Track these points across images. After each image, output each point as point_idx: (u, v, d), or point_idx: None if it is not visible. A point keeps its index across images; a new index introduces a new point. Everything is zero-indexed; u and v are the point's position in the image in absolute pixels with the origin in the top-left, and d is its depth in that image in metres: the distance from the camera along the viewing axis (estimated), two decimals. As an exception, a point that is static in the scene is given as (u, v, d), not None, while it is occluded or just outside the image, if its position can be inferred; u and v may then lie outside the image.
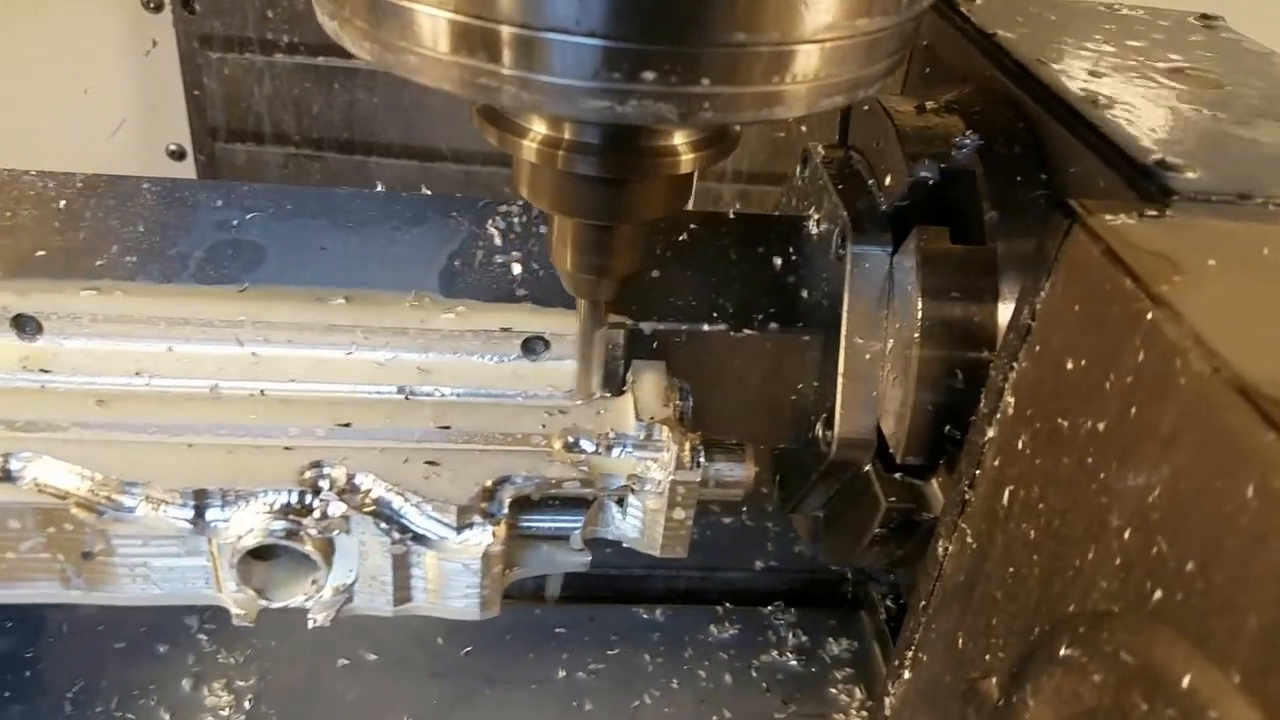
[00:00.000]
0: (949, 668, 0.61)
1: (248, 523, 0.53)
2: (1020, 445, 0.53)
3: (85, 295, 0.63)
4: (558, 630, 0.89)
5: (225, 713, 0.78)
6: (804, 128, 1.28)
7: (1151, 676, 0.41)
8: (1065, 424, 0.48)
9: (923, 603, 0.64)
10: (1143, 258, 0.45)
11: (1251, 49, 0.79)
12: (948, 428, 0.63)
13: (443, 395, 0.62)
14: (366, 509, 0.53)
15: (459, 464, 0.56)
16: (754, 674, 0.87)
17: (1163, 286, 0.43)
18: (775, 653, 0.89)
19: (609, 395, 0.65)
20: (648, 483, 0.59)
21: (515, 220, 0.71)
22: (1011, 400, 0.54)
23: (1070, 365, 0.48)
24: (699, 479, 0.58)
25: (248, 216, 0.68)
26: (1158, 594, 0.41)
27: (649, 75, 0.39)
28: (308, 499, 0.53)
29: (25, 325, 0.62)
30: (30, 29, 1.40)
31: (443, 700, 0.81)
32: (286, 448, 0.56)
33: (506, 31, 0.39)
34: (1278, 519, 0.35)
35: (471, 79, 0.41)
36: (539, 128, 0.48)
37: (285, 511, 0.53)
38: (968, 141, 0.66)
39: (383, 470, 0.55)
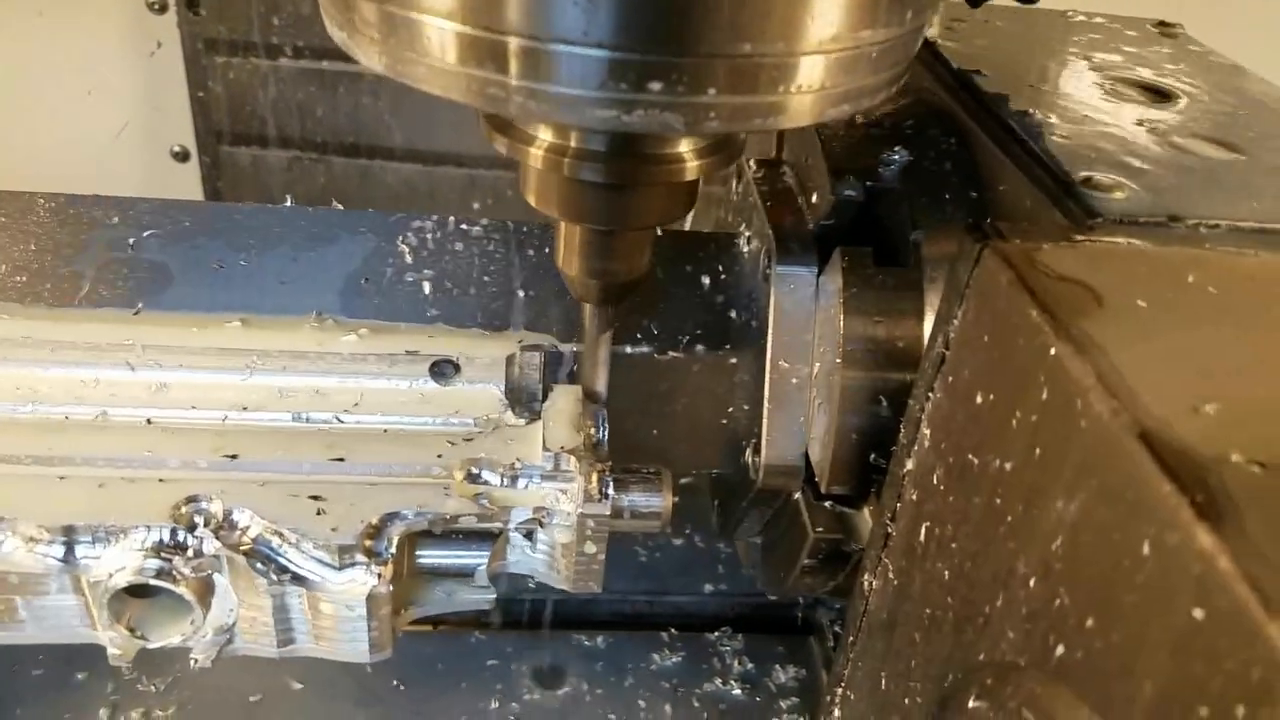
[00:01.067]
0: (873, 709, 0.57)
1: (119, 560, 0.49)
2: (935, 480, 0.50)
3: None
4: (491, 661, 0.86)
5: (142, 745, 0.75)
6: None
7: (1053, 740, 0.37)
8: (976, 461, 0.45)
9: (850, 639, 0.61)
10: (1052, 286, 0.42)
11: (1216, 61, 0.76)
12: (873, 456, 0.59)
13: (341, 423, 0.59)
14: (243, 547, 0.50)
15: (349, 499, 0.53)
16: (696, 704, 0.84)
17: (1070, 318, 0.40)
18: (719, 680, 0.86)
19: (523, 422, 0.61)
20: (556, 515, 0.56)
21: (429, 236, 0.68)
22: (928, 432, 0.51)
23: (979, 399, 0.45)
24: (608, 511, 0.55)
25: (144, 234, 0.65)
26: (1060, 649, 0.38)
27: (655, 85, 0.39)
28: (182, 536, 0.50)
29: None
30: (34, 30, 1.39)
31: (368, 732, 0.78)
32: (162, 480, 0.53)
33: (514, 43, 0.39)
34: (1173, 579, 0.32)
35: (480, 89, 0.41)
36: (546, 135, 0.49)
37: (158, 549, 0.49)
38: (896, 158, 0.63)
39: (264, 506, 0.51)
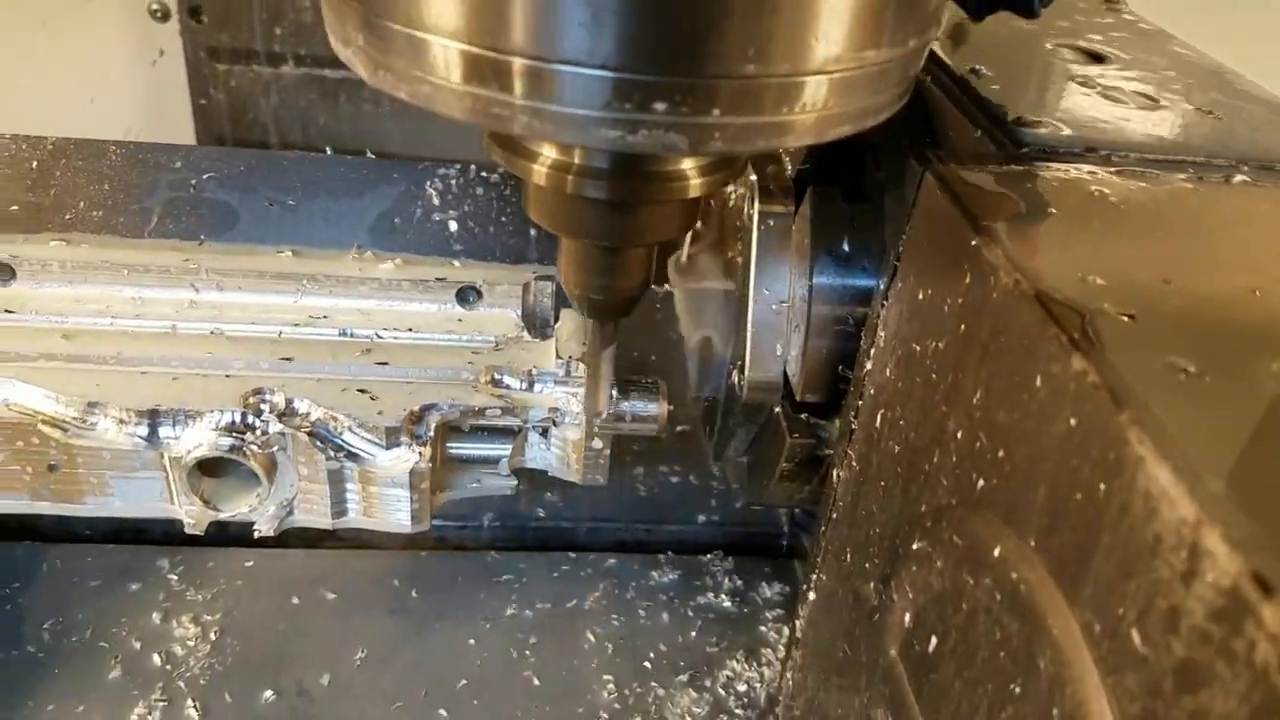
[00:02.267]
0: (840, 581, 0.66)
1: (197, 439, 0.58)
2: (888, 373, 0.58)
3: (55, 245, 0.68)
4: (506, 576, 0.94)
5: (192, 643, 0.83)
6: None
7: (974, 554, 0.46)
8: (918, 348, 0.54)
9: (821, 528, 0.70)
10: (976, 196, 0.51)
11: (1147, 29, 0.85)
12: (840, 368, 0.68)
13: (380, 338, 0.67)
14: (304, 429, 0.58)
15: (392, 394, 0.61)
16: (689, 613, 0.92)
17: (987, 218, 0.48)
18: (711, 594, 0.94)
19: (536, 340, 0.70)
20: (567, 415, 0.64)
21: (453, 182, 0.76)
22: (883, 334, 0.59)
23: (921, 296, 0.54)
24: (613, 411, 0.63)
25: (204, 177, 0.73)
26: (980, 483, 0.46)
27: (660, 106, 0.39)
28: (250, 419, 0.58)
29: (1, 272, 0.67)
30: (38, 38, 1.40)
31: (398, 634, 0.86)
32: (228, 376, 0.62)
33: (519, 63, 0.39)
34: (1059, 401, 0.40)
35: (484, 109, 0.41)
36: (549, 153, 0.49)
37: (230, 429, 0.58)
38: (867, 111, 0.71)
39: (320, 396, 0.60)
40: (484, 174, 0.77)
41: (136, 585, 0.88)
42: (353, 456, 0.59)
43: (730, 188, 0.78)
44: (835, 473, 0.67)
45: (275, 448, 0.58)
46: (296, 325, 0.67)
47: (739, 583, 0.96)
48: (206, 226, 0.71)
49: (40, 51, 1.41)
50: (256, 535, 0.61)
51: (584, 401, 0.63)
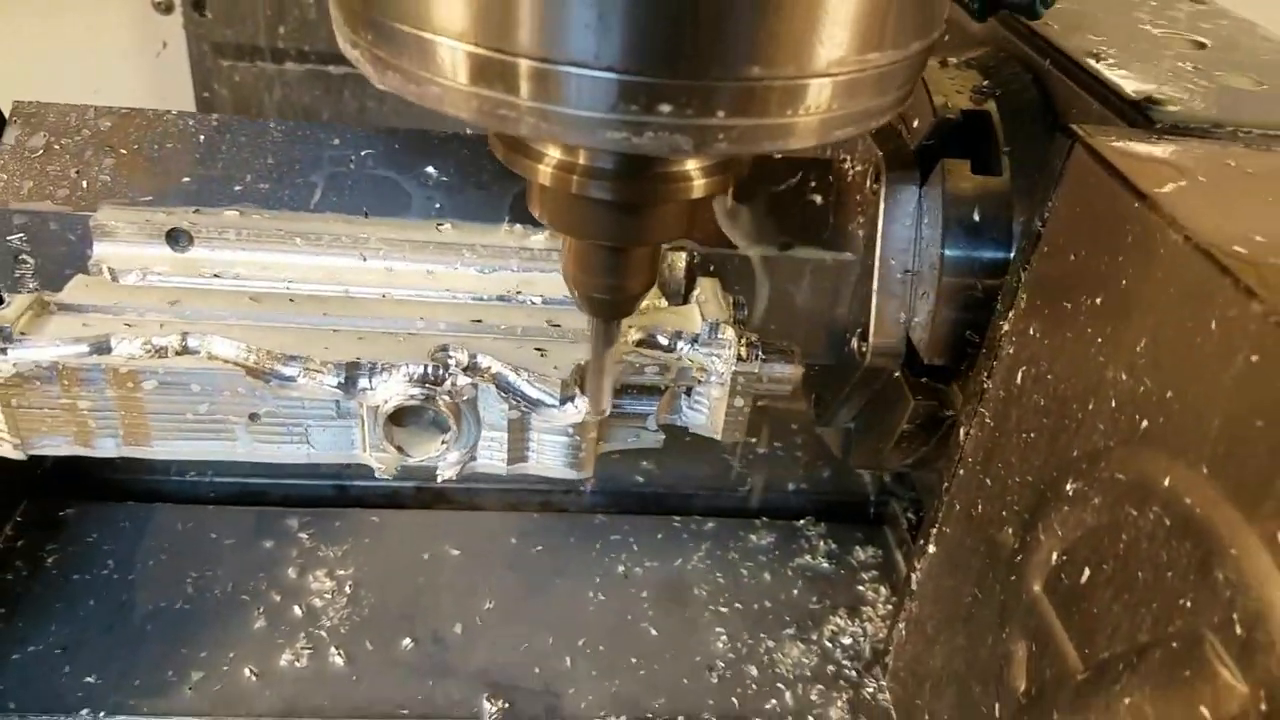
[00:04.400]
0: (969, 532, 0.71)
1: (391, 390, 0.63)
2: (1032, 331, 0.63)
3: (230, 215, 0.73)
4: (614, 536, 0.99)
5: (329, 596, 0.89)
6: None
7: (1140, 487, 0.51)
8: (1069, 305, 0.59)
9: (945, 485, 0.75)
10: (1132, 166, 0.55)
11: (1233, 19, 0.90)
12: (968, 333, 0.73)
13: (534, 303, 0.72)
14: (488, 380, 0.63)
15: (562, 351, 0.66)
16: (789, 573, 0.97)
17: (1145, 186, 0.53)
18: (809, 557, 0.99)
19: (676, 306, 0.75)
20: (712, 374, 0.69)
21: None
22: (1025, 296, 0.64)
23: (1073, 257, 0.59)
24: (757, 370, 0.68)
25: (362, 153, 0.78)
26: (1144, 423, 0.51)
27: (665, 108, 0.40)
28: (438, 371, 0.63)
29: (178, 239, 0.72)
30: (41, 30, 1.41)
31: (520, 588, 0.91)
32: (411, 334, 0.67)
33: (526, 64, 0.40)
34: (1234, 339, 0.45)
35: (491, 110, 0.41)
36: (554, 153, 0.49)
37: (421, 381, 0.63)
38: (985, 90, 0.76)
39: (500, 352, 0.65)
40: (617, 151, 0.81)
41: (270, 543, 0.93)
42: (531, 407, 0.64)
43: (849, 162, 0.83)
44: (962, 431, 0.72)
45: (464, 397, 0.63)
46: (458, 291, 0.72)
47: (833, 546, 1.01)
48: (368, 200, 0.76)
49: (44, 44, 1.43)
50: (440, 480, 0.66)
51: (587, 400, 0.64)
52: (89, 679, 0.79)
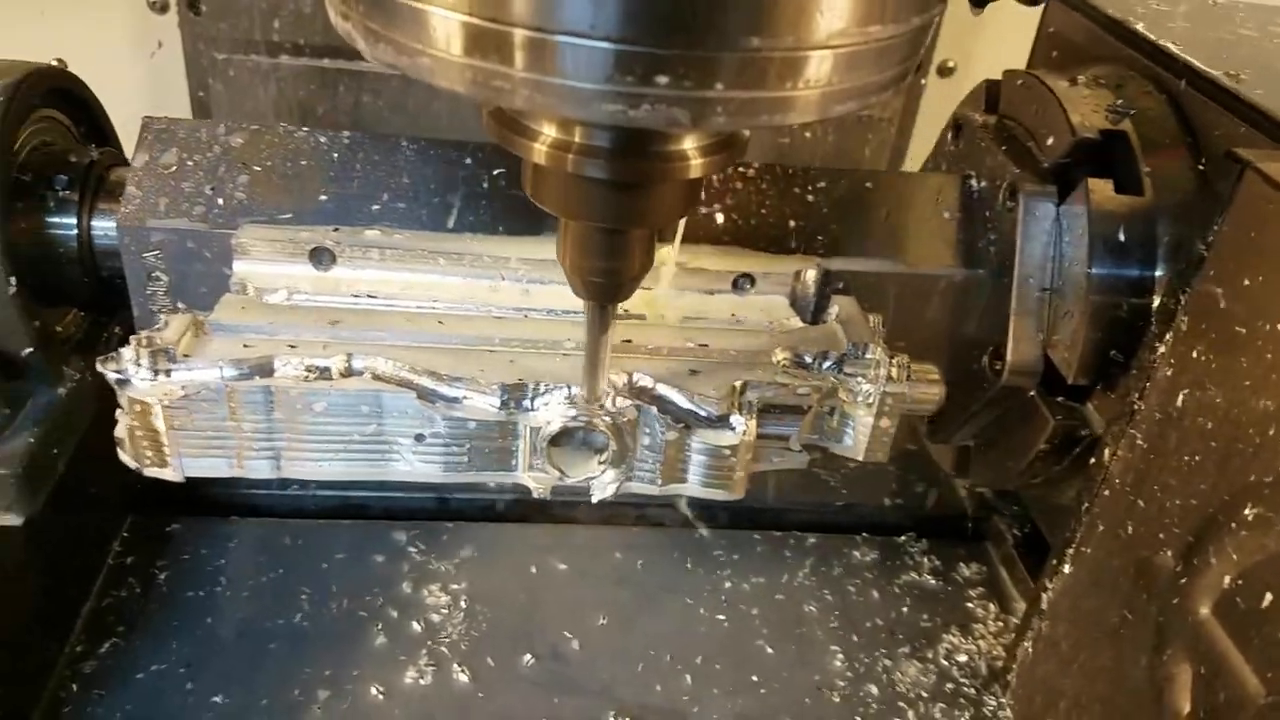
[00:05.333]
0: (1116, 553, 0.71)
1: (551, 412, 0.64)
2: (1195, 354, 0.64)
3: (371, 234, 0.74)
4: (716, 552, 1.00)
5: (445, 610, 0.89)
6: (808, 134, 1.36)
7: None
8: (1243, 329, 0.59)
9: (1085, 505, 0.75)
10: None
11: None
12: (1113, 352, 0.73)
13: (663, 320, 0.73)
14: (646, 402, 0.64)
15: (714, 371, 0.67)
16: (897, 590, 0.98)
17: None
18: (914, 574, 1.00)
19: (811, 324, 0.76)
20: (859, 395, 0.70)
21: (714, 177, 0.82)
22: (1186, 319, 0.65)
23: (1247, 282, 0.59)
24: (907, 390, 0.69)
25: (494, 172, 0.79)
26: (1339, 451, 0.52)
27: (662, 79, 0.39)
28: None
29: (320, 258, 0.73)
30: (36, 29, 1.40)
31: (631, 604, 0.92)
32: (564, 355, 0.67)
33: (520, 34, 0.39)
34: None
35: (485, 81, 0.41)
36: (549, 131, 0.49)
37: (577, 402, 0.64)
38: (1119, 109, 0.77)
39: (656, 372, 0.65)
40: (742, 169, 0.82)
41: (380, 558, 0.94)
42: (688, 427, 0.64)
43: (974, 179, 0.84)
44: (1107, 451, 0.73)
45: (625, 418, 0.64)
46: (571, 311, 0.73)
47: (937, 562, 1.02)
48: (502, 219, 0.77)
49: (39, 43, 1.35)
50: (595, 500, 0.67)
51: (582, 387, 0.64)
52: (215, 699, 0.80)
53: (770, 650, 0.90)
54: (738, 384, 0.66)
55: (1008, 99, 0.87)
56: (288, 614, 0.88)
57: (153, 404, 0.61)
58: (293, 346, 0.64)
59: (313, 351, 0.64)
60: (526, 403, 0.64)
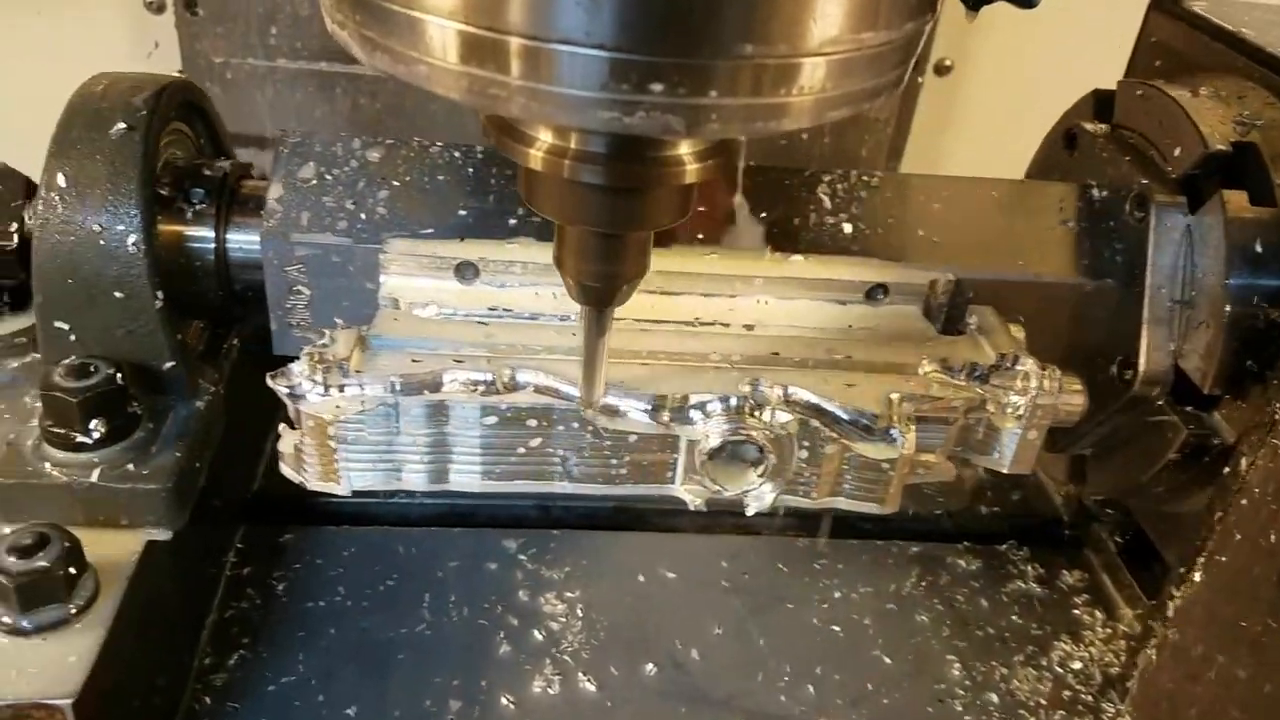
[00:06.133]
0: (1256, 562, 0.72)
1: (710, 424, 0.65)
2: (1351, 363, 0.65)
3: (513, 247, 0.75)
4: (822, 561, 1.01)
5: (564, 619, 0.91)
6: (805, 135, 1.37)
7: None
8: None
9: (1218, 514, 0.76)
10: None
11: None
12: (1249, 362, 0.75)
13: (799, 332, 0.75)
14: (805, 415, 0.65)
15: (870, 383, 0.68)
16: (1003, 598, 0.99)
17: None
18: (1019, 582, 1.01)
19: (952, 336, 0.77)
20: (1008, 406, 0.71)
21: (839, 186, 0.83)
22: (1334, 328, 0.66)
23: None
24: (1057, 402, 0.70)
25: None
26: None
27: (657, 87, 0.40)
28: (758, 406, 0.65)
29: (465, 272, 0.74)
30: (32, 30, 1.41)
31: (744, 613, 0.93)
32: (718, 367, 0.69)
33: (516, 43, 0.40)
34: None
35: (481, 89, 0.42)
36: (546, 137, 0.50)
37: (739, 415, 0.65)
38: (1245, 121, 0.78)
39: (810, 385, 0.67)
40: (864, 177, 0.84)
41: (493, 566, 0.95)
42: (846, 441, 0.66)
43: (1094, 189, 0.85)
44: (1244, 460, 0.73)
45: (781, 433, 0.65)
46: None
47: (1040, 570, 1.03)
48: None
49: (35, 43, 1.43)
50: (750, 513, 0.68)
51: (580, 390, 0.65)
52: (348, 710, 0.81)
53: (888, 660, 0.91)
54: (895, 397, 0.67)
55: (1124, 109, 0.88)
56: (409, 623, 0.89)
57: (326, 419, 0.62)
58: (459, 361, 0.65)
59: (477, 365, 0.65)
60: (686, 415, 0.65)
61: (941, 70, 1.44)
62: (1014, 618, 0.97)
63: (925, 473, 0.72)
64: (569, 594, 0.93)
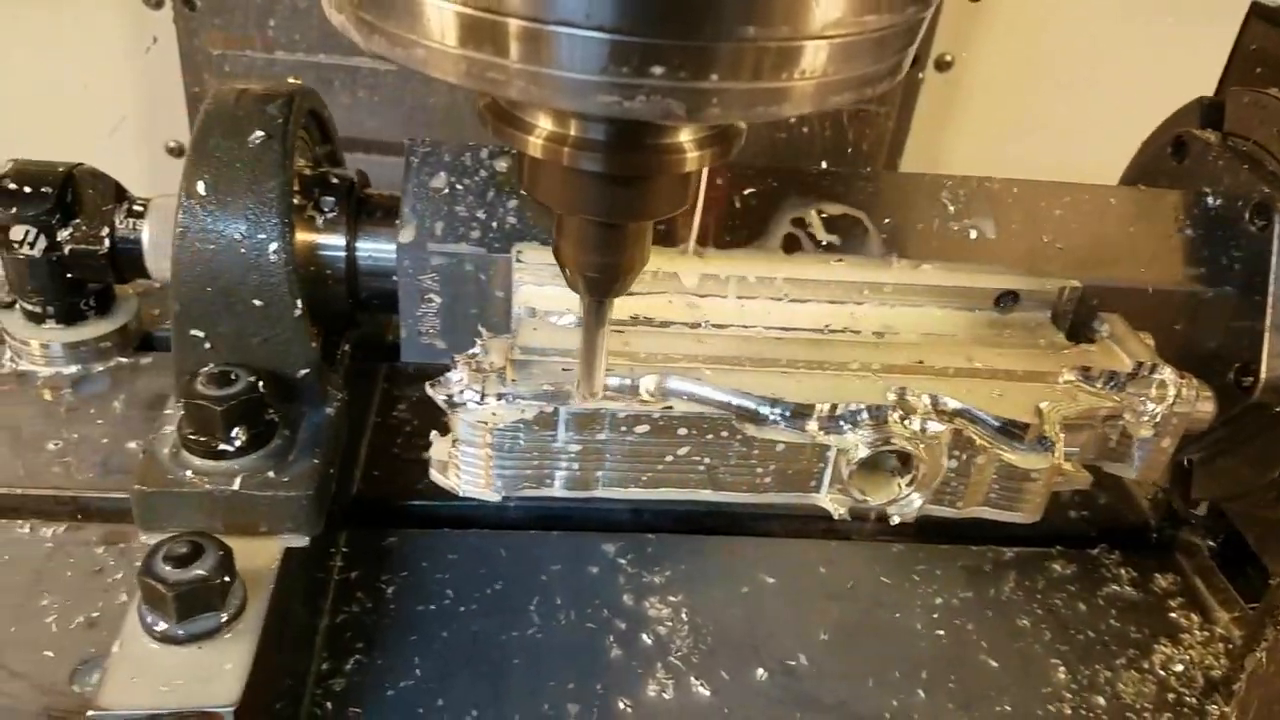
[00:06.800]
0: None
1: (860, 434, 0.65)
2: None
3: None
4: (919, 566, 1.01)
5: (670, 623, 0.91)
6: (805, 129, 1.38)
7: None
8: None
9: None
10: None
11: None
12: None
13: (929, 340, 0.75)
14: (954, 424, 0.66)
15: (1020, 391, 0.68)
16: (1100, 602, 0.99)
17: None
18: (1115, 585, 1.02)
19: (1081, 343, 0.77)
20: (1144, 414, 0.71)
21: (960, 192, 0.83)
22: None
23: None
24: (1194, 410, 0.70)
25: (744, 192, 0.80)
26: None
27: (657, 70, 0.40)
28: (908, 416, 0.65)
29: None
30: (30, 25, 1.42)
31: (848, 618, 0.94)
32: (861, 376, 0.69)
33: (514, 25, 0.39)
34: None
35: (479, 72, 0.41)
36: (545, 124, 0.49)
37: (886, 424, 0.65)
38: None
39: (959, 394, 0.67)
40: (985, 184, 0.84)
41: (594, 569, 0.95)
42: (998, 451, 0.66)
43: (1210, 196, 0.85)
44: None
45: (935, 441, 0.65)
46: (846, 331, 0.74)
47: (1134, 573, 1.03)
48: (757, 238, 0.78)
49: (33, 38, 1.44)
50: (894, 523, 0.68)
51: (579, 383, 0.64)
52: (469, 714, 0.82)
53: (994, 664, 0.92)
54: (1045, 406, 0.67)
55: (1235, 117, 0.89)
56: (520, 626, 0.90)
57: (486, 426, 0.62)
58: (608, 370, 0.65)
59: (628, 374, 0.65)
60: (834, 424, 0.65)
61: (942, 65, 1.44)
62: (1112, 621, 0.98)
63: (1063, 481, 0.72)
64: (672, 598, 0.94)
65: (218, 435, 0.68)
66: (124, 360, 1.08)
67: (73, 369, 1.06)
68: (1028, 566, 1.03)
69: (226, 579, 0.64)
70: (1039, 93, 1.46)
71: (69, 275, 1.00)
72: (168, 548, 0.63)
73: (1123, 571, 1.04)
